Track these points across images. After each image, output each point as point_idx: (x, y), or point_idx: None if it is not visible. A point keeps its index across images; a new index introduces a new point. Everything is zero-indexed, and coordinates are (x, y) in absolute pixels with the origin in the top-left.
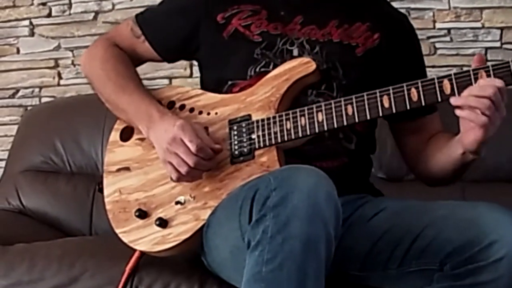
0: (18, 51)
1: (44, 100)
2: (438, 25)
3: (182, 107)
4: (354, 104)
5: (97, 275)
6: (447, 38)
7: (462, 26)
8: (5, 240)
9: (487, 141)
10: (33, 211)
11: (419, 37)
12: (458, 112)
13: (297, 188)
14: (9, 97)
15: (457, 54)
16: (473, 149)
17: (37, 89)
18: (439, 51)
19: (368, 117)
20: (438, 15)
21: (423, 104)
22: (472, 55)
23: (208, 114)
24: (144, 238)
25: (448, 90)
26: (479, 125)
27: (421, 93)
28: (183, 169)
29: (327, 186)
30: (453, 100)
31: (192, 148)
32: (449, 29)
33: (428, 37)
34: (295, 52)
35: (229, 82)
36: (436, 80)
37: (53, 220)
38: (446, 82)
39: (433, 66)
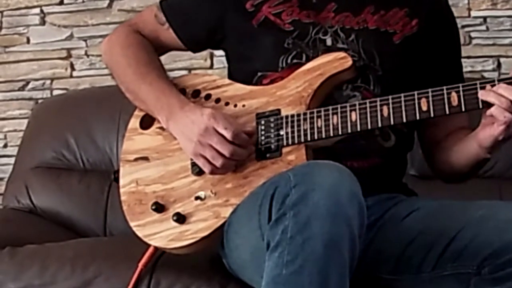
0: (28, 41)
1: (55, 92)
2: (473, 13)
3: (208, 96)
4: (391, 106)
5: (112, 278)
6: (483, 27)
7: (499, 14)
8: (15, 241)
9: (503, 142)
10: (44, 210)
11: None
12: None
13: (318, 185)
14: (18, 90)
15: (493, 44)
16: (487, 144)
17: (48, 81)
18: (474, 41)
19: (404, 120)
20: (473, 3)
21: (463, 110)
22: (510, 45)
23: (235, 106)
24: (160, 233)
25: (488, 97)
26: (500, 122)
27: (462, 98)
28: (218, 162)
29: (350, 183)
30: (482, 94)
31: (228, 135)
32: (485, 18)
33: (463, 26)
34: (329, 42)
35: (259, 74)
36: (478, 85)
37: (65, 220)
38: (489, 87)
39: (468, 57)
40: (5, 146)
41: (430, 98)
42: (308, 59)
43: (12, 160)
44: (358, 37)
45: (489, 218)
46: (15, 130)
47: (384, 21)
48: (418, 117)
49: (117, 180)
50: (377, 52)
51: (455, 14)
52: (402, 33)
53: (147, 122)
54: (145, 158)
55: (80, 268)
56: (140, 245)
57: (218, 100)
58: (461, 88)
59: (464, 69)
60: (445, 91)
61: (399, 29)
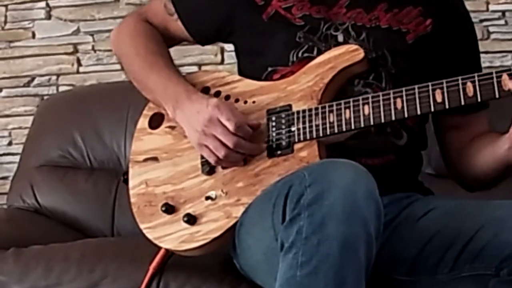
0: (33, 36)
1: (62, 89)
2: (491, 7)
3: (217, 93)
4: (404, 98)
5: (119, 279)
6: (502, 21)
7: None
8: (20, 241)
9: None
10: (50, 210)
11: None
12: None
13: (334, 184)
14: (23, 86)
15: None
16: None
17: (54, 77)
18: (492, 36)
19: (419, 112)
20: None
21: (479, 100)
22: None
23: (245, 102)
24: (171, 235)
25: (508, 85)
26: None
27: (477, 88)
28: (221, 153)
29: (366, 182)
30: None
31: (231, 126)
32: (503, 12)
33: (481, 20)
34: (340, 38)
35: (269, 69)
36: (494, 75)
37: (72, 219)
38: (505, 77)
39: (486, 52)
40: (10, 143)
41: (445, 89)
42: (320, 53)
43: (17, 159)
44: (369, 35)
45: (508, 218)
46: (20, 128)
47: (397, 20)
48: (432, 109)
49: (126, 181)
50: (389, 52)
51: (473, 8)
52: (415, 32)
53: (156, 121)
54: (155, 159)
55: (87, 269)
56: (148, 245)
57: (228, 97)
58: (476, 78)
59: (482, 65)
60: (460, 82)
61: (412, 28)
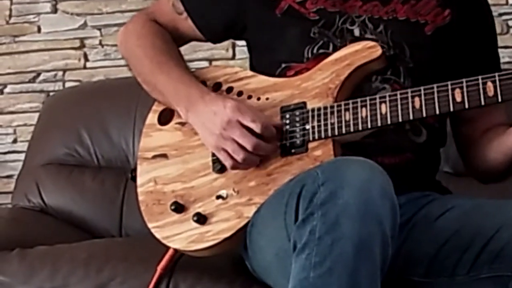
0: (39, 30)
1: (68, 84)
2: (511, 1)
3: (230, 89)
4: (423, 97)
5: (128, 281)
6: None
7: None
8: (25, 242)
9: None
10: (56, 210)
11: None
12: None
13: (348, 182)
14: (29, 82)
15: None
16: None
17: (60, 73)
18: None
19: (437, 112)
20: None
21: (499, 100)
22: None
23: (258, 99)
24: (180, 235)
25: None
26: None
27: (498, 87)
28: (239, 156)
29: (381, 180)
30: None
31: (257, 128)
32: None
33: (500, 14)
34: (357, 32)
35: (283, 65)
36: None
37: (78, 219)
38: None
39: (505, 47)
40: (15, 141)
41: (465, 89)
42: (336, 49)
43: (22, 156)
44: (387, 28)
45: None
46: (25, 125)
47: (415, 11)
48: (452, 109)
49: (134, 179)
50: (407, 44)
51: (492, 2)
52: (434, 24)
53: (165, 117)
54: (164, 156)
55: (94, 270)
56: (157, 246)
57: (240, 93)
58: (497, 78)
59: (502, 60)
60: (480, 81)
61: (430, 19)
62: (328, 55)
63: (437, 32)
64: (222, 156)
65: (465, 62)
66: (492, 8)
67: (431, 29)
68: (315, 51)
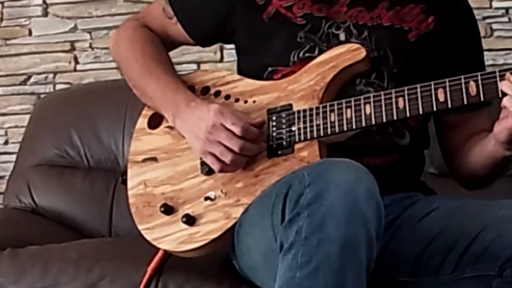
0: (30, 33)
1: (59, 87)
2: (495, 4)
3: (217, 93)
4: (406, 97)
5: (118, 280)
6: (505, 19)
7: None
8: (16, 242)
9: None
10: (47, 210)
11: None
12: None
13: (334, 183)
14: (20, 84)
15: None
16: (502, 139)
17: (51, 75)
18: (496, 33)
19: (421, 112)
20: None
21: (482, 99)
22: None
23: (245, 102)
24: (169, 236)
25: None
26: None
27: (480, 87)
28: (227, 158)
29: (367, 181)
30: (502, 85)
31: (237, 130)
32: (507, 9)
33: (484, 18)
34: (342, 37)
35: (270, 69)
36: (497, 73)
37: (69, 219)
38: (508, 75)
39: (489, 50)
40: (6, 143)
41: (448, 89)
42: (322, 53)
43: (13, 158)
44: (371, 34)
45: (511, 218)
46: (16, 126)
47: (399, 18)
48: (435, 109)
49: (125, 182)
50: (391, 50)
51: (476, 5)
52: (417, 30)
53: (155, 121)
54: (154, 159)
55: (84, 270)
56: (147, 246)
57: (228, 97)
58: (479, 77)
59: (486, 63)
60: (463, 81)
61: (414, 26)
62: (313, 58)
63: (421, 39)
64: (209, 160)
65: (450, 69)
66: (476, 12)
67: (415, 36)
68: (301, 55)
